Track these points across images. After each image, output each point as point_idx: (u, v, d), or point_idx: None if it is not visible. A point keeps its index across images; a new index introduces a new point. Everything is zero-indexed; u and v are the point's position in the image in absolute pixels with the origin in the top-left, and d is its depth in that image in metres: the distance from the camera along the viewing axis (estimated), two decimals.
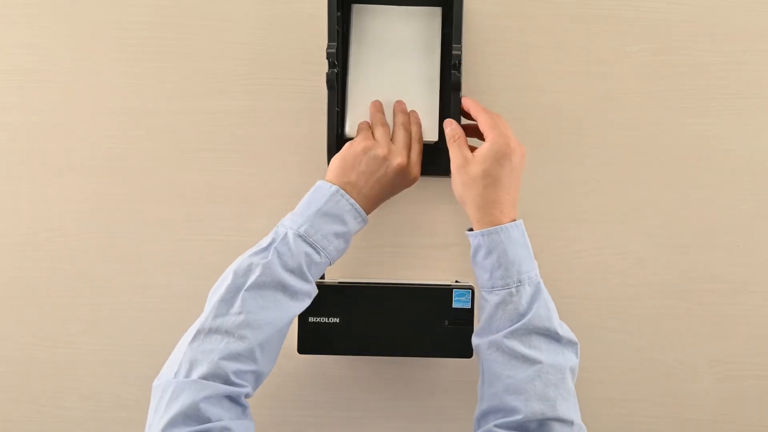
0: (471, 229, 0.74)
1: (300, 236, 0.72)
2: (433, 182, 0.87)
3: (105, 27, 0.89)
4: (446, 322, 0.80)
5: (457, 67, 0.80)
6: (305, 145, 0.88)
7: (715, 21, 0.86)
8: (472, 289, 0.81)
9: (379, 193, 0.77)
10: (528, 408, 0.66)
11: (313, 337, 0.80)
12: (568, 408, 0.66)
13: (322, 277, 0.85)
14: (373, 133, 0.79)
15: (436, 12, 0.85)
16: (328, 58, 0.80)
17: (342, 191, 0.74)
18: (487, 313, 0.72)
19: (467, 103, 0.79)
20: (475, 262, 0.74)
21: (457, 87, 0.81)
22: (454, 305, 0.81)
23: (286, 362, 0.87)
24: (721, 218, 0.86)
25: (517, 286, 0.70)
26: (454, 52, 0.80)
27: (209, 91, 0.89)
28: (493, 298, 0.71)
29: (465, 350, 0.80)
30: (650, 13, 0.86)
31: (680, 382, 0.87)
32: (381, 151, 0.76)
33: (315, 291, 0.74)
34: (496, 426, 0.66)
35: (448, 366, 0.88)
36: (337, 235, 0.74)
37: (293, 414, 0.89)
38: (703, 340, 0.87)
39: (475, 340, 0.73)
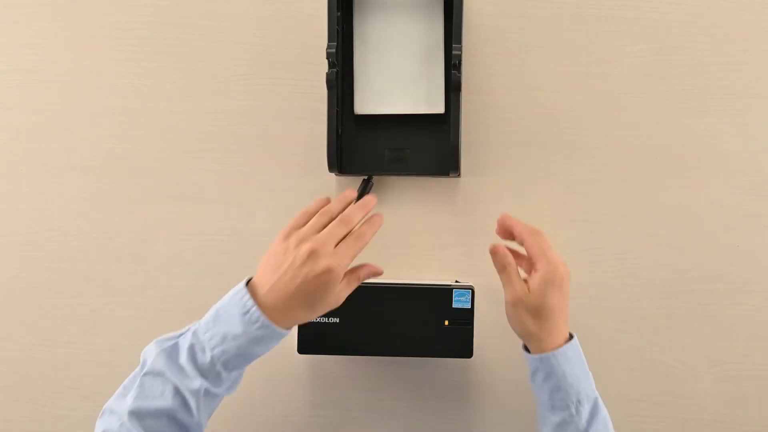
0: (527, 348, 0.74)
1: (194, 332, 0.67)
2: (434, 182, 0.87)
3: (105, 27, 0.89)
4: (446, 322, 0.80)
5: (457, 67, 0.80)
6: (305, 145, 0.88)
7: (715, 21, 0.86)
8: (472, 289, 0.81)
9: (291, 298, 0.66)
10: None
11: (313, 337, 0.80)
12: None
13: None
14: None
15: None
16: (328, 58, 0.80)
17: (246, 288, 0.66)
18: (549, 430, 0.73)
19: (509, 221, 0.75)
20: (534, 383, 0.74)
21: (457, 87, 0.81)
22: (454, 305, 0.81)
23: (286, 362, 0.87)
24: (721, 218, 0.86)
25: (577, 406, 0.71)
26: (454, 52, 0.80)
27: (209, 91, 0.89)
28: (554, 419, 0.72)
29: (465, 350, 0.80)
30: (650, 13, 0.86)
31: (680, 382, 0.87)
32: (305, 246, 0.67)
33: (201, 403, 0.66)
34: None
35: (448, 366, 0.88)
36: (225, 338, 0.65)
37: (293, 414, 0.89)
38: (703, 340, 0.87)
39: None
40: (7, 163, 0.90)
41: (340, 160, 0.86)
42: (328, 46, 0.80)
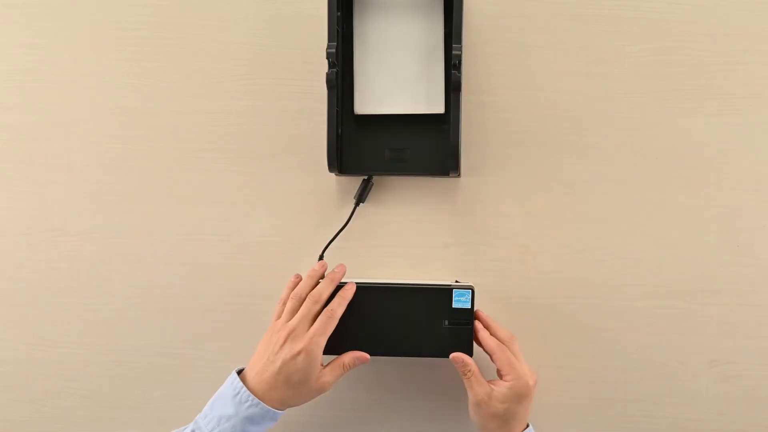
0: None
1: (195, 421, 0.76)
2: (434, 182, 0.87)
3: (105, 27, 0.89)
4: (446, 322, 0.80)
5: (457, 67, 0.80)
6: (305, 145, 0.88)
7: (715, 21, 0.86)
8: (472, 289, 0.81)
9: (275, 380, 0.75)
10: None
11: None
12: None
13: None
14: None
15: None
16: (328, 58, 0.80)
17: (236, 374, 0.76)
18: None
19: (480, 335, 0.80)
20: None
21: (457, 87, 0.81)
22: (454, 305, 0.81)
23: None
24: (721, 218, 0.86)
25: None
26: (454, 52, 0.80)
27: (209, 91, 0.89)
28: None
29: (465, 350, 0.80)
30: (650, 13, 0.86)
31: (680, 382, 0.87)
32: (283, 332, 0.75)
33: None
34: None
35: (448, 366, 0.88)
36: (220, 421, 0.74)
37: (293, 414, 0.89)
38: (703, 340, 0.87)
39: None
40: (7, 163, 0.90)
41: (340, 160, 0.86)
42: (328, 46, 0.80)
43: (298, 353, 0.74)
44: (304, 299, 0.78)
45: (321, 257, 0.85)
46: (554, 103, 0.87)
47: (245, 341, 0.88)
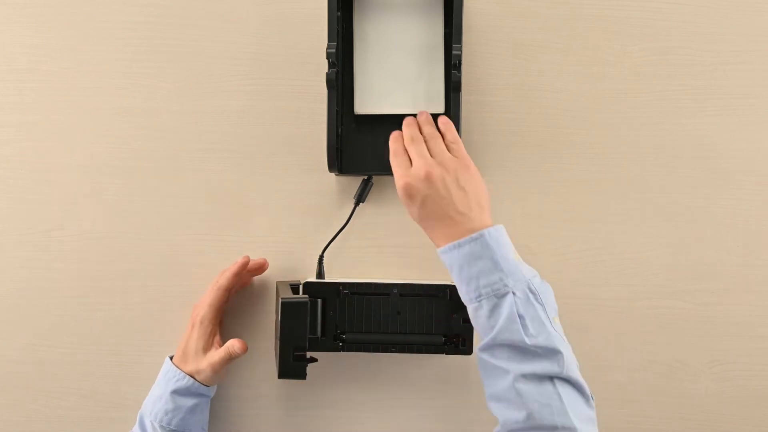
0: None
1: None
2: None
3: (105, 27, 0.89)
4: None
5: (457, 67, 0.80)
6: (305, 145, 0.88)
7: (715, 21, 0.86)
8: None
9: (188, 359, 0.83)
10: (506, 417, 0.66)
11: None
12: (550, 413, 0.65)
13: (322, 276, 0.85)
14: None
15: None
16: (328, 58, 0.80)
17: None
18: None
19: (391, 138, 0.78)
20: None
21: (457, 87, 0.81)
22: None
23: None
24: (721, 218, 0.86)
25: (479, 300, 0.69)
26: (454, 52, 0.80)
27: (209, 91, 0.89)
28: (469, 311, 0.71)
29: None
30: (650, 13, 0.86)
31: (680, 382, 0.87)
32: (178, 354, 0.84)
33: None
34: None
35: (449, 365, 0.88)
36: (156, 401, 0.81)
37: (293, 414, 0.89)
38: (703, 340, 0.87)
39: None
40: (7, 163, 0.90)
41: (340, 160, 0.86)
42: (328, 46, 0.80)
43: (192, 326, 0.83)
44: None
45: (321, 257, 0.85)
46: (554, 103, 0.87)
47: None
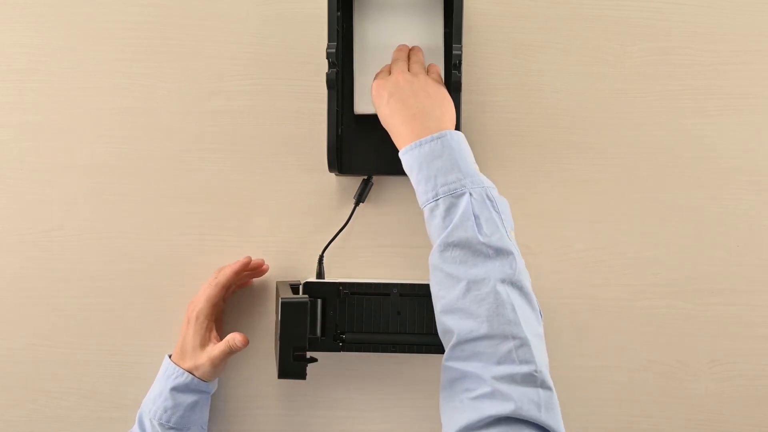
0: None
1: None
2: None
3: (105, 27, 0.89)
4: None
5: (457, 67, 0.80)
6: (305, 145, 0.88)
7: (715, 21, 0.86)
8: None
9: (187, 355, 0.82)
10: (460, 327, 0.65)
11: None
12: (503, 323, 0.63)
13: (322, 276, 0.85)
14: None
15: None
16: (328, 58, 0.80)
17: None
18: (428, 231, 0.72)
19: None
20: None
21: (457, 87, 0.81)
22: None
23: None
24: (721, 218, 0.86)
25: (435, 200, 0.69)
26: (454, 52, 0.80)
27: (209, 91, 0.89)
28: (425, 215, 0.71)
29: None
30: (650, 13, 0.86)
31: (680, 382, 0.87)
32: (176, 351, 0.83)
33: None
34: (446, 359, 0.66)
35: None
36: (156, 399, 0.81)
37: (293, 413, 0.89)
38: (703, 340, 0.87)
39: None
40: (7, 163, 0.90)
41: (340, 160, 0.86)
42: (328, 46, 0.80)
43: (188, 322, 0.82)
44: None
45: (321, 257, 0.85)
46: (554, 103, 0.87)
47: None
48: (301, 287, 0.82)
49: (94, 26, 0.89)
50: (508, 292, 0.65)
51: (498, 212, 0.68)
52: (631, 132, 0.87)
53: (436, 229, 0.69)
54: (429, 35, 0.85)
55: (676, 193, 0.87)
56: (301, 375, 0.75)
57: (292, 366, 0.75)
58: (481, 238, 0.66)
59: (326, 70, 0.81)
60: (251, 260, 0.85)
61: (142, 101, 0.89)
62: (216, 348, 0.80)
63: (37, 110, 0.90)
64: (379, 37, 0.85)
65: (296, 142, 0.88)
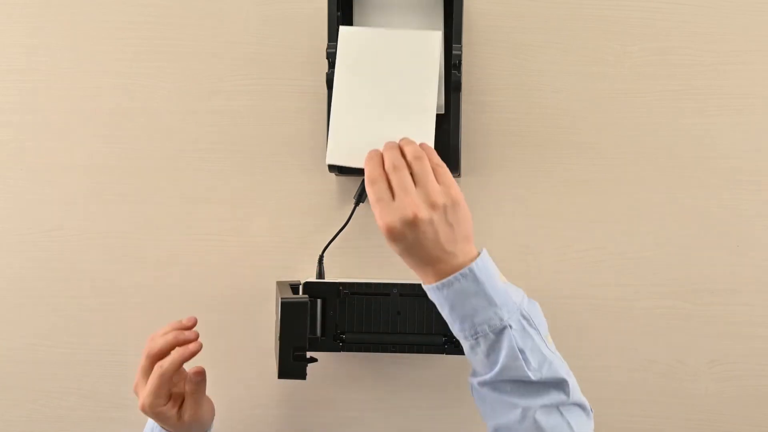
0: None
1: None
2: None
3: (105, 27, 0.89)
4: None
5: (457, 67, 0.80)
6: (305, 145, 0.88)
7: (715, 21, 0.86)
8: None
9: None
10: None
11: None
12: None
13: (322, 276, 0.85)
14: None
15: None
16: (328, 58, 0.80)
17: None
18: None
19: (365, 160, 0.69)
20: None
21: (457, 87, 0.81)
22: None
23: None
24: (721, 218, 0.86)
25: (475, 338, 0.66)
26: (454, 52, 0.80)
27: (209, 91, 0.89)
28: (464, 347, 0.68)
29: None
30: (650, 13, 0.86)
31: (680, 382, 0.87)
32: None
33: None
34: None
35: (449, 364, 0.88)
36: None
37: (293, 413, 0.89)
38: (703, 340, 0.87)
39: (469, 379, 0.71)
40: (7, 163, 0.90)
41: None
42: (328, 46, 0.80)
43: (144, 411, 0.74)
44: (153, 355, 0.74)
45: (321, 257, 0.85)
46: (554, 103, 0.87)
47: (245, 341, 0.89)
48: (301, 287, 0.82)
49: (94, 26, 0.89)
50: (563, 414, 0.66)
51: (536, 329, 0.67)
52: (631, 132, 0.87)
53: (480, 365, 0.67)
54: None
55: (676, 193, 0.87)
56: (301, 375, 0.75)
57: (292, 366, 0.75)
58: (532, 376, 0.65)
59: (326, 70, 0.81)
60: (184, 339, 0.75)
61: (142, 101, 0.89)
62: (189, 410, 0.75)
63: (37, 110, 0.90)
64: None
65: (296, 142, 0.88)
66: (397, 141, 0.70)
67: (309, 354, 0.76)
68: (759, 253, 0.86)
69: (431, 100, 0.74)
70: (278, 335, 0.76)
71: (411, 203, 0.63)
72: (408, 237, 0.64)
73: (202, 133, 0.89)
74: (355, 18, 0.85)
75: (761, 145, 0.86)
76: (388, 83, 0.75)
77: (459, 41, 0.80)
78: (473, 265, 0.65)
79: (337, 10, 0.82)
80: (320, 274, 0.85)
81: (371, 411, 0.89)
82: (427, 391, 0.88)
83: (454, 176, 0.85)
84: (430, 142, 0.72)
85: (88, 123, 0.89)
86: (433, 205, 0.64)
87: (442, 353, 0.81)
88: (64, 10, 0.89)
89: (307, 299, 0.76)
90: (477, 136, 0.87)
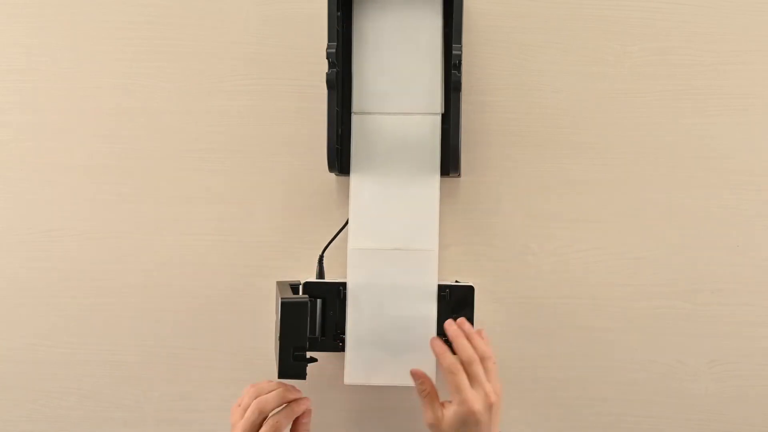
0: None
1: None
2: None
3: (105, 27, 0.89)
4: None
5: (457, 67, 0.80)
6: (305, 145, 0.88)
7: (715, 21, 0.86)
8: (472, 288, 0.81)
9: None
10: None
11: None
12: None
13: (322, 276, 0.85)
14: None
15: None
16: (328, 58, 0.80)
17: None
18: None
19: (438, 350, 0.76)
20: None
21: (457, 87, 0.81)
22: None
23: None
24: (721, 218, 0.86)
25: None
26: (454, 52, 0.80)
27: (209, 91, 0.89)
28: None
29: None
30: (650, 13, 0.86)
31: (680, 382, 0.87)
32: None
33: None
34: None
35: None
36: None
37: None
38: (703, 340, 0.87)
39: None
40: (7, 163, 0.90)
41: (340, 160, 0.86)
42: (328, 46, 0.80)
43: None
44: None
45: (321, 257, 0.85)
46: (554, 103, 0.87)
47: (245, 341, 0.89)
48: (301, 287, 0.82)
49: (94, 26, 0.89)
50: None
51: None
52: (631, 132, 0.87)
53: None
54: (429, 35, 0.85)
55: (676, 193, 0.87)
56: (301, 375, 0.75)
57: (292, 366, 0.75)
58: None
59: (326, 70, 0.81)
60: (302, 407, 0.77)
61: (142, 101, 0.89)
62: None
63: (37, 110, 0.90)
64: (379, 37, 0.85)
65: (296, 142, 0.88)
66: (455, 323, 0.78)
67: (309, 354, 0.76)
68: (759, 253, 0.86)
69: (439, 43, 0.82)
70: (278, 335, 0.76)
71: (492, 392, 0.73)
72: (482, 421, 0.72)
73: (202, 133, 0.89)
74: (355, 18, 0.85)
75: (761, 145, 0.86)
76: (401, 34, 0.83)
77: (459, 41, 0.80)
78: None
79: (337, 10, 0.82)
80: (320, 274, 0.85)
81: (371, 411, 0.89)
82: None
83: (454, 176, 0.86)
84: (438, 77, 0.82)
85: (88, 123, 0.89)
86: (497, 396, 0.73)
87: None
88: (64, 10, 0.89)
89: (307, 299, 0.76)
90: (477, 136, 0.87)
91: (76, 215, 0.90)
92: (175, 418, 0.89)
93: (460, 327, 0.78)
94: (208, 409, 0.89)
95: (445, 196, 0.87)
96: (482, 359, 0.74)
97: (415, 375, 0.77)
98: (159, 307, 0.89)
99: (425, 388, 0.77)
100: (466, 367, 0.74)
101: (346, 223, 0.86)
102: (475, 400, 0.72)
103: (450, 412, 0.73)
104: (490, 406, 0.72)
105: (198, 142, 0.89)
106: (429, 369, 0.80)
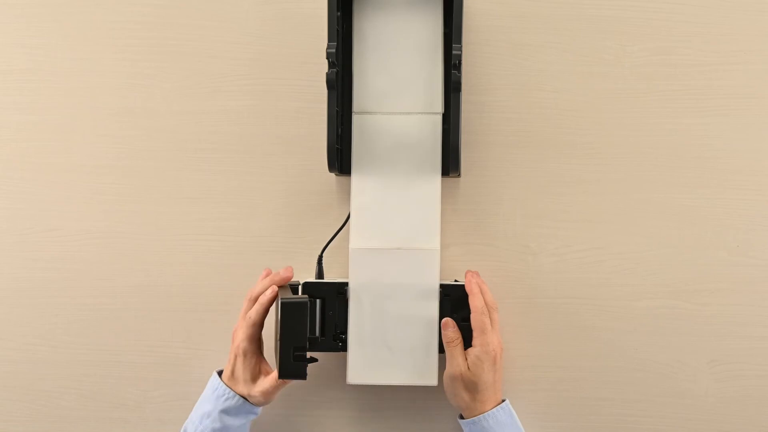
0: (462, 416, 0.81)
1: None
2: None
3: (105, 27, 0.89)
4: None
5: (457, 67, 0.80)
6: (305, 145, 0.88)
7: (715, 21, 0.86)
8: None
9: (238, 383, 0.81)
10: None
11: None
12: None
13: (322, 277, 0.85)
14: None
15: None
16: (328, 58, 0.80)
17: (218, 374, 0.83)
18: None
19: (469, 288, 0.81)
20: None
21: (457, 87, 0.81)
22: None
23: None
24: (721, 218, 0.86)
25: None
26: (454, 52, 0.80)
27: (209, 91, 0.89)
28: None
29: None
30: (650, 13, 0.86)
31: (680, 382, 0.87)
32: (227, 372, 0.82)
33: None
34: None
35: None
36: (202, 417, 0.80)
37: (293, 413, 0.89)
38: (703, 340, 0.87)
39: None
40: (7, 162, 0.90)
41: (340, 160, 0.86)
42: (328, 46, 0.80)
43: (235, 357, 0.80)
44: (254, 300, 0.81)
45: (321, 257, 0.85)
46: (554, 103, 0.87)
47: None
48: (300, 287, 0.82)
49: (94, 26, 0.89)
50: None
51: None
52: (631, 132, 0.87)
53: None
54: (429, 35, 0.85)
55: (675, 193, 0.87)
56: (301, 375, 0.76)
57: (292, 366, 0.75)
58: None
59: (326, 70, 0.81)
60: (276, 290, 0.82)
61: (142, 101, 0.89)
62: (267, 381, 0.80)
63: (37, 110, 0.90)
64: (379, 37, 0.85)
65: (296, 142, 0.88)
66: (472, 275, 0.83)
67: (309, 354, 0.76)
68: (759, 253, 0.86)
69: (439, 43, 0.83)
70: (278, 335, 0.76)
71: (499, 342, 0.81)
72: (500, 359, 0.80)
73: (202, 133, 0.89)
74: (355, 18, 0.85)
75: (761, 145, 0.86)
76: (401, 32, 0.83)
77: (459, 41, 0.80)
78: (507, 402, 0.80)
79: (337, 10, 0.82)
80: (320, 274, 0.85)
81: (371, 411, 0.89)
82: (426, 391, 0.88)
83: (454, 176, 0.86)
84: (439, 75, 0.83)
85: (88, 123, 0.89)
86: (501, 346, 0.81)
87: (442, 353, 0.81)
88: (64, 10, 0.89)
89: (307, 299, 0.76)
90: (477, 136, 0.87)
91: (76, 215, 0.90)
92: (174, 418, 0.89)
93: (474, 279, 0.82)
94: None
95: (445, 196, 0.87)
96: (490, 310, 0.80)
97: (446, 324, 0.80)
98: (158, 307, 0.89)
99: (457, 337, 0.79)
100: (489, 311, 0.80)
101: (345, 223, 0.86)
102: (496, 341, 0.79)
103: (472, 354, 0.78)
104: (501, 349, 0.80)
105: (198, 142, 0.89)
106: (431, 368, 0.80)
